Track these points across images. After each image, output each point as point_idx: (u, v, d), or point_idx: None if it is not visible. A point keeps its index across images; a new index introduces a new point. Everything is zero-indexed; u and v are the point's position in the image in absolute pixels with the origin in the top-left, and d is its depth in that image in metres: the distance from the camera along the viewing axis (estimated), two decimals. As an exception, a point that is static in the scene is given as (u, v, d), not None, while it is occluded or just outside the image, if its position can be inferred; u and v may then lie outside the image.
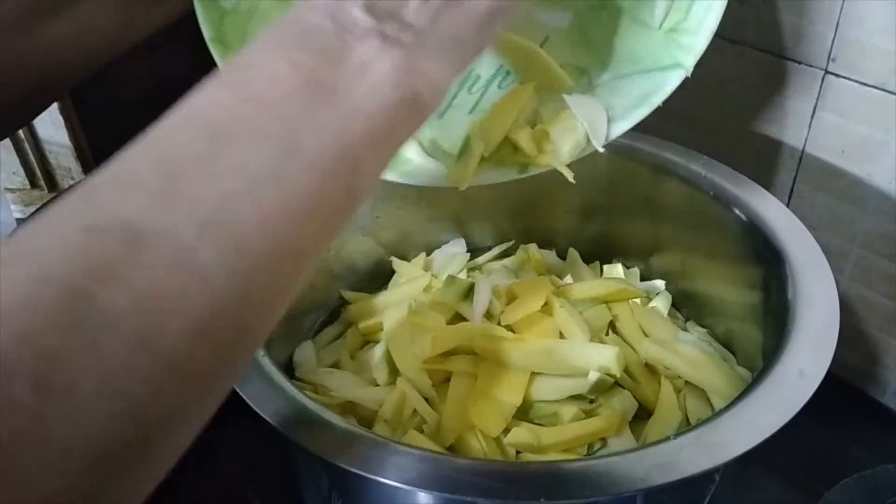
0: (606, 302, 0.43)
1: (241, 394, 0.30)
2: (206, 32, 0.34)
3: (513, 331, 0.40)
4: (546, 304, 0.41)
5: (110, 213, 0.18)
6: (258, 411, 0.30)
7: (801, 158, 0.46)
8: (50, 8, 0.33)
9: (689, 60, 0.33)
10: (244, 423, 0.31)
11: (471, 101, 0.36)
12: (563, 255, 0.50)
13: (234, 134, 0.20)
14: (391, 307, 0.46)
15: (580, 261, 0.48)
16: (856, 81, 0.42)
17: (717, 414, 0.29)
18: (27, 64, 0.34)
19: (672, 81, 0.34)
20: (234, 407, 0.30)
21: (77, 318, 0.16)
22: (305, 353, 0.44)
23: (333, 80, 0.21)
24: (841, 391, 0.47)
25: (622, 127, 0.34)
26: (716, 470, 0.29)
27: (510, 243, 0.51)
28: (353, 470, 0.28)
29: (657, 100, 0.34)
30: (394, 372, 0.41)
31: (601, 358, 0.37)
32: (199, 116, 0.21)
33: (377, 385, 0.41)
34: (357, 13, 0.23)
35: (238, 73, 0.22)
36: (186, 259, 0.18)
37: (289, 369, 0.43)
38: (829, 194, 0.46)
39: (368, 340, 0.45)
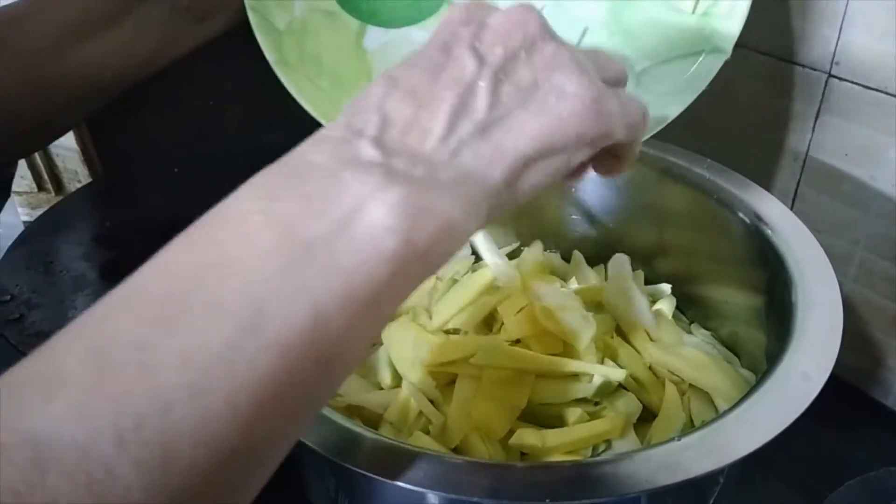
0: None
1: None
2: (270, 56, 0.33)
3: (517, 343, 0.40)
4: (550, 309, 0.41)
5: (20, 425, 0.15)
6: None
7: (804, 162, 0.47)
8: (92, 29, 0.33)
9: (727, 44, 0.33)
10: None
11: None
12: (567, 258, 0.50)
13: (187, 310, 0.17)
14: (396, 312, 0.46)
15: (584, 263, 0.48)
16: (859, 85, 0.42)
17: (721, 416, 0.30)
18: (65, 82, 0.34)
19: (714, 65, 0.33)
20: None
21: None
22: (311, 356, 0.44)
23: (314, 232, 0.18)
24: (844, 393, 0.47)
25: (675, 110, 0.34)
26: (720, 472, 0.29)
27: (514, 245, 0.51)
28: (360, 471, 0.28)
29: (703, 83, 0.33)
30: (398, 375, 0.41)
31: (609, 374, 0.37)
32: (154, 287, 0.18)
33: (381, 388, 0.41)
34: (364, 146, 0.20)
35: (212, 230, 0.19)
36: (100, 482, 0.15)
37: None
38: (832, 197, 0.46)
39: (374, 343, 0.45)
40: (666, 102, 0.33)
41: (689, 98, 0.33)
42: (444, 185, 0.20)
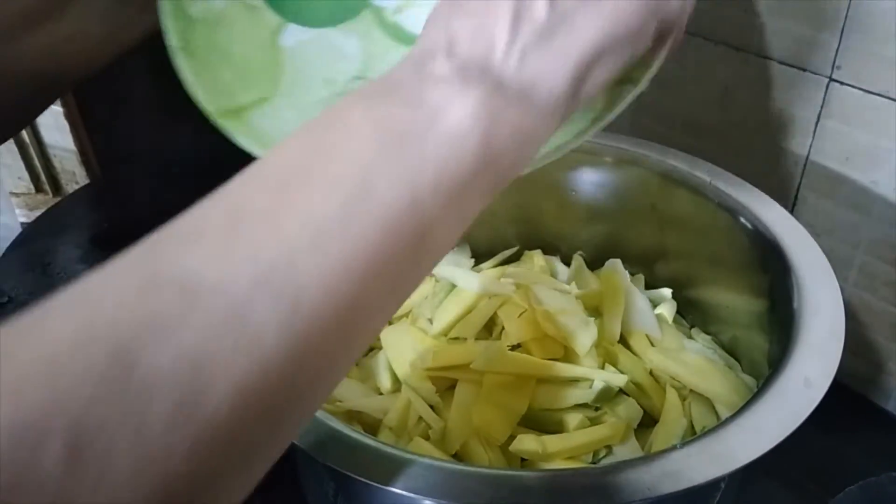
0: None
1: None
2: (173, 41, 0.32)
3: (517, 347, 0.40)
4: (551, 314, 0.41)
5: (168, 266, 0.17)
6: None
7: (805, 166, 0.47)
8: (31, 21, 0.32)
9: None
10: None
11: None
12: (567, 262, 0.50)
13: (303, 183, 0.20)
14: (395, 316, 0.46)
15: (585, 267, 0.48)
16: (860, 89, 0.42)
17: (723, 423, 0.29)
18: (12, 76, 0.33)
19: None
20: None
21: (118, 385, 0.15)
22: (310, 359, 0.44)
23: (406, 125, 0.21)
24: (845, 398, 0.47)
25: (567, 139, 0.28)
26: (722, 479, 0.29)
27: (514, 249, 0.51)
28: (360, 478, 0.28)
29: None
30: (398, 380, 0.41)
31: (609, 380, 0.37)
32: (270, 168, 0.20)
33: (381, 393, 0.41)
34: (438, 62, 0.22)
35: (316, 127, 0.22)
36: (240, 315, 0.17)
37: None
38: (833, 201, 0.46)
39: (373, 347, 0.45)
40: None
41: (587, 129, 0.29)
42: (514, 94, 0.22)
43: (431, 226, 0.20)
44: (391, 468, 0.28)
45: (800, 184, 0.47)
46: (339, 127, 0.21)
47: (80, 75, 0.36)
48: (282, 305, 0.17)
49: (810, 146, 0.46)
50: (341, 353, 0.20)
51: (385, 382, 0.41)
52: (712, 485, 0.33)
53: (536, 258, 0.49)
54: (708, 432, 0.29)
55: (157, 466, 0.16)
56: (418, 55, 0.23)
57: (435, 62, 0.22)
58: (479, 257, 0.51)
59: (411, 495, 0.27)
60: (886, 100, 0.41)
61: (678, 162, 0.45)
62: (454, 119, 0.21)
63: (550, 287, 0.42)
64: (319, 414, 0.30)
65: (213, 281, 0.17)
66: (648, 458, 0.28)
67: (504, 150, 0.21)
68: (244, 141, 0.31)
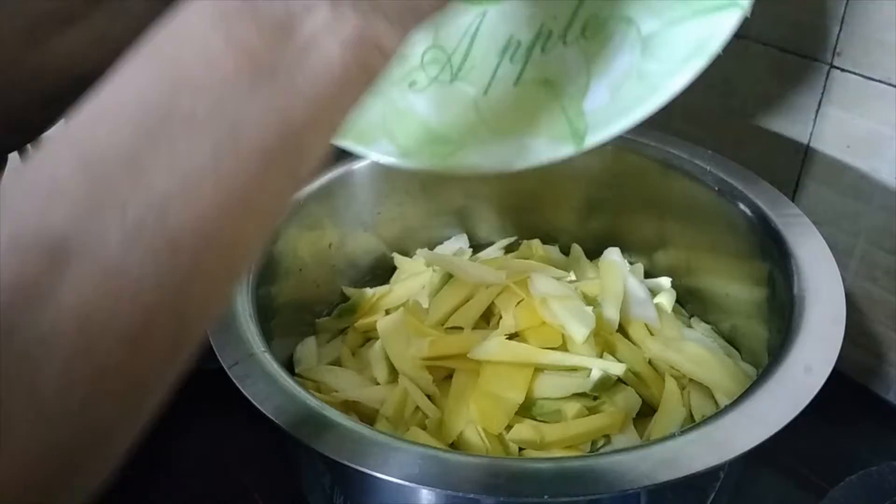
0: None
1: (242, 391, 0.30)
2: None
3: (515, 336, 0.40)
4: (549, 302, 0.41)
5: (31, 228, 0.17)
6: (259, 408, 0.29)
7: (806, 153, 0.46)
8: (65, 19, 0.32)
9: None
10: (246, 421, 0.30)
11: (514, 70, 0.34)
12: (566, 251, 0.50)
13: (166, 123, 0.18)
14: (392, 304, 0.46)
15: (584, 257, 0.47)
16: (861, 76, 0.42)
17: (722, 411, 0.29)
18: (42, 75, 0.33)
19: (728, 24, 0.30)
20: (236, 405, 0.30)
21: (1, 345, 0.15)
22: (307, 350, 0.44)
23: (276, 60, 0.20)
24: (845, 388, 0.47)
25: (682, 81, 0.30)
26: (721, 467, 0.28)
27: (513, 239, 0.51)
28: (355, 467, 0.27)
29: (714, 46, 0.31)
30: (394, 370, 0.40)
31: (608, 368, 0.37)
32: (127, 102, 0.19)
33: (378, 383, 0.41)
34: None
35: (169, 46, 0.20)
36: (116, 269, 0.17)
37: (289, 365, 0.43)
38: (834, 189, 0.45)
39: (370, 337, 0.45)
40: (675, 70, 0.31)
41: (700, 64, 0.30)
42: (384, 14, 0.21)
43: (306, 143, 0.20)
44: (387, 456, 0.28)
45: (800, 172, 0.47)
46: (196, 52, 0.19)
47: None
48: (158, 258, 0.17)
49: (811, 134, 0.46)
50: (223, 284, 0.20)
51: (381, 373, 0.41)
52: (711, 473, 0.33)
53: (535, 247, 0.48)
54: (707, 420, 0.29)
55: (55, 425, 0.16)
56: None
57: None
58: (478, 247, 0.50)
59: (409, 484, 0.27)
60: (887, 86, 0.41)
61: (678, 150, 0.44)
62: (328, 50, 0.20)
63: (548, 276, 0.42)
64: (314, 403, 0.30)
65: (82, 243, 0.17)
66: (646, 445, 0.28)
67: (375, 70, 0.21)
68: None
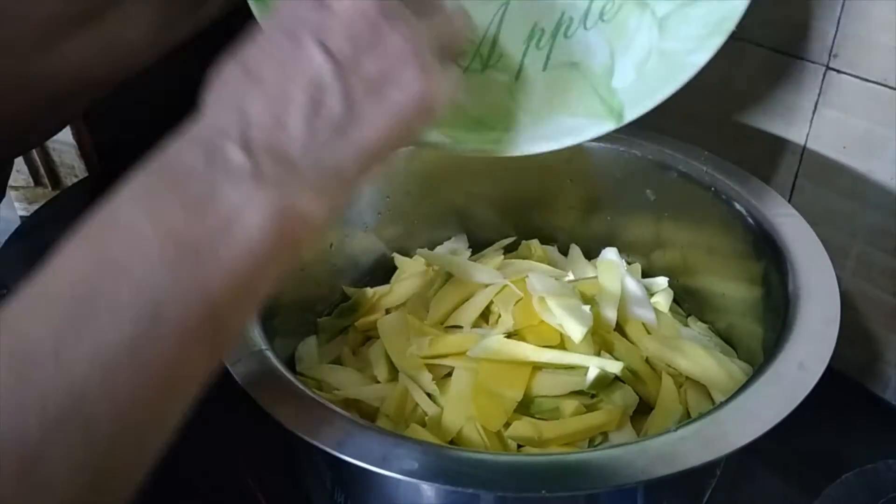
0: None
1: (245, 389, 0.31)
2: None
3: (513, 335, 0.40)
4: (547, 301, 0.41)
5: None
6: (261, 405, 0.30)
7: (802, 154, 0.47)
8: (76, 22, 0.32)
9: None
10: (247, 419, 0.31)
11: (542, 56, 0.35)
12: (564, 251, 0.50)
13: (92, 310, 0.19)
14: (392, 304, 0.46)
15: (582, 256, 0.48)
16: (857, 77, 0.42)
17: (718, 407, 0.29)
18: (55, 78, 0.33)
19: (740, 3, 0.32)
20: (237, 403, 0.30)
21: None
22: (308, 349, 0.44)
23: (198, 236, 0.20)
24: (842, 387, 0.47)
25: (702, 58, 0.32)
26: (717, 463, 0.29)
27: (512, 239, 0.51)
28: (356, 463, 0.28)
29: (730, 24, 0.32)
30: (394, 369, 0.41)
31: (605, 367, 0.37)
32: (56, 290, 0.20)
33: (378, 381, 0.41)
34: (231, 151, 0.21)
35: (102, 232, 0.21)
36: (33, 466, 0.17)
37: (291, 364, 0.44)
38: (830, 190, 0.46)
39: (370, 336, 0.45)
40: (695, 48, 0.32)
41: (719, 41, 0.31)
42: (308, 186, 0.22)
43: (227, 319, 0.21)
44: (387, 452, 0.28)
45: (797, 172, 0.47)
46: (124, 237, 0.20)
47: (127, 73, 0.35)
48: (75, 447, 0.18)
49: (807, 135, 0.46)
50: (142, 459, 0.21)
51: (382, 371, 0.41)
52: (708, 471, 0.34)
53: (533, 247, 0.49)
54: (703, 416, 0.29)
55: None
56: (208, 134, 0.22)
57: (227, 148, 0.21)
58: (477, 247, 0.51)
59: (409, 480, 0.27)
60: (884, 87, 0.41)
61: (675, 150, 0.45)
62: (250, 224, 0.21)
63: (547, 275, 0.42)
64: (316, 401, 0.30)
65: (4, 435, 0.17)
66: (643, 441, 0.28)
67: (297, 240, 0.22)
68: None
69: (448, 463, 0.28)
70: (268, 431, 0.31)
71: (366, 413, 0.39)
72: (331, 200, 0.23)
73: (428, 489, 0.30)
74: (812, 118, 0.45)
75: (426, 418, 0.37)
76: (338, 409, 0.30)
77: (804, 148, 0.46)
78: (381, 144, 0.24)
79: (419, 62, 0.24)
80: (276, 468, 0.42)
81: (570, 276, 0.45)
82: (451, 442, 0.36)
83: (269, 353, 0.33)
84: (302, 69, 0.23)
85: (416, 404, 0.38)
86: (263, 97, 0.22)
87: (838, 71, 0.43)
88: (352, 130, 0.23)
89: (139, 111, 0.67)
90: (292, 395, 0.31)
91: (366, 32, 0.23)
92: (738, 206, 0.41)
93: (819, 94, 0.44)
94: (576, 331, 0.38)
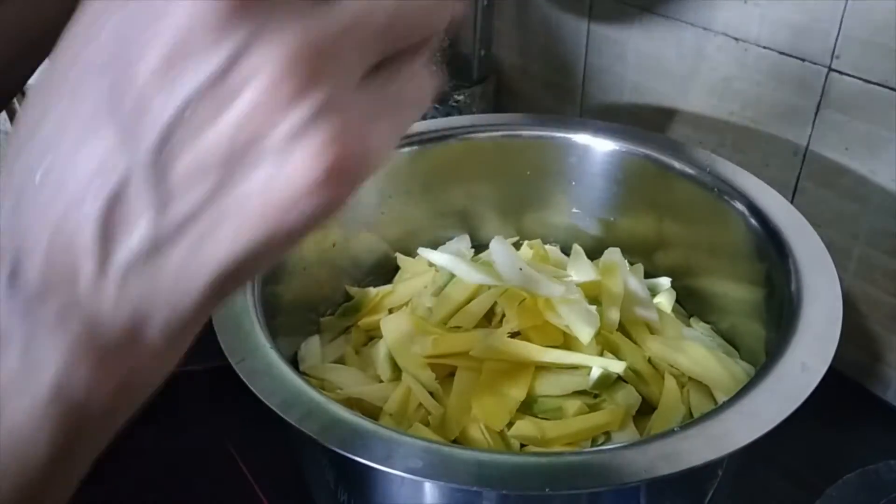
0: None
1: (250, 387, 0.31)
2: None
3: (517, 335, 0.40)
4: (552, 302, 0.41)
5: None
6: (267, 402, 0.30)
7: (804, 156, 0.47)
8: None
9: None
10: (251, 418, 0.31)
11: None
12: (567, 252, 0.50)
13: None
14: (395, 304, 0.46)
15: (584, 257, 0.48)
16: (859, 79, 0.42)
17: (721, 407, 0.30)
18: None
19: None
20: (241, 402, 0.30)
21: None
22: (311, 348, 0.44)
23: None
24: (843, 388, 0.47)
25: None
26: (719, 463, 0.29)
27: (515, 239, 0.51)
28: (359, 460, 0.28)
29: None
30: (397, 368, 0.41)
31: (608, 366, 0.37)
32: None
33: (381, 380, 0.41)
34: (1, 290, 0.15)
35: None
36: None
37: (294, 364, 0.44)
38: (832, 191, 0.46)
39: (373, 336, 0.45)
40: None
41: None
42: (114, 337, 0.15)
43: None
44: (391, 450, 0.28)
45: (799, 174, 0.47)
46: None
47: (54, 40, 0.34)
48: None
49: (810, 136, 0.46)
50: None
51: (385, 370, 0.41)
52: (710, 471, 0.34)
53: (536, 248, 0.49)
54: (705, 416, 0.29)
55: None
56: None
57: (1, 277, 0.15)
58: (480, 248, 0.51)
59: (412, 477, 0.28)
60: (885, 89, 0.41)
61: (677, 151, 0.45)
62: (18, 413, 0.14)
63: (551, 276, 0.42)
64: (320, 399, 0.30)
65: None
66: (646, 440, 0.29)
67: (102, 414, 0.15)
68: None
69: (451, 461, 0.28)
70: (271, 431, 0.31)
71: (368, 412, 0.40)
72: (152, 351, 0.15)
73: (432, 487, 0.30)
74: (814, 120, 0.45)
75: (429, 418, 0.38)
76: (342, 408, 0.30)
77: (806, 149, 0.46)
78: (236, 263, 0.15)
79: (315, 105, 0.14)
80: (280, 468, 0.42)
81: (573, 276, 0.45)
82: (455, 442, 0.37)
83: (273, 351, 0.33)
84: (94, 156, 0.14)
85: (420, 404, 0.38)
86: (44, 215, 0.14)
87: (840, 73, 0.43)
88: (177, 253, 0.14)
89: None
90: (297, 393, 0.31)
91: (209, 76, 0.13)
92: (740, 207, 0.41)
93: (821, 96, 0.44)
94: (584, 332, 0.38)
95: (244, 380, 0.31)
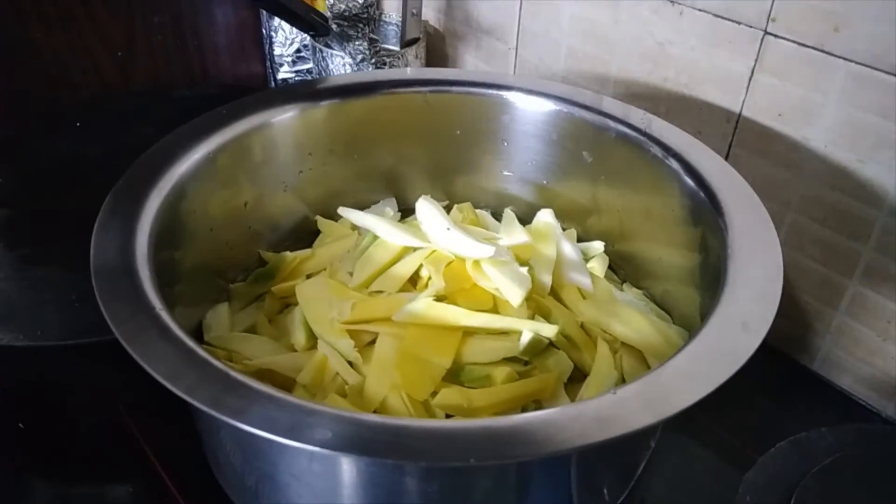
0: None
1: (131, 353, 0.26)
2: None
3: (443, 299, 0.37)
4: (479, 265, 0.38)
5: None
6: (148, 369, 0.26)
7: (737, 122, 0.46)
8: None
9: None
10: (155, 403, 0.27)
11: None
12: (498, 217, 0.48)
13: None
14: (314, 269, 0.43)
15: (516, 220, 0.45)
16: (795, 42, 0.41)
17: (659, 368, 0.28)
18: None
19: None
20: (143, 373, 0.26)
21: None
22: (218, 316, 0.40)
23: None
24: (772, 359, 0.47)
25: None
26: (654, 430, 0.27)
27: (445, 203, 0.48)
28: (256, 432, 0.24)
29: None
30: (313, 336, 0.37)
31: (539, 330, 0.35)
32: None
33: (295, 350, 0.38)
34: None
35: None
36: None
37: (198, 334, 0.39)
38: (765, 158, 0.45)
39: (289, 304, 0.42)
40: None
41: None
42: None
43: None
44: (297, 420, 0.25)
45: (731, 141, 0.46)
46: None
47: None
48: None
49: (743, 102, 0.45)
50: None
51: (300, 339, 0.38)
52: (643, 440, 0.32)
53: (466, 211, 0.46)
54: (644, 377, 0.27)
55: None
56: None
57: None
58: (407, 212, 0.48)
59: (322, 451, 0.24)
60: (821, 53, 0.41)
61: (613, 111, 0.43)
62: None
63: (480, 238, 0.40)
64: (217, 366, 0.27)
65: None
66: (579, 405, 0.26)
67: None
68: None
69: (366, 431, 0.25)
70: (176, 415, 0.27)
71: (281, 385, 0.36)
72: None
73: (346, 462, 0.27)
74: (748, 85, 0.44)
75: (346, 388, 0.34)
76: (240, 376, 0.26)
77: (739, 115, 0.45)
78: None
79: None
80: (188, 456, 0.37)
81: (503, 239, 0.42)
82: (375, 413, 0.33)
83: (164, 313, 0.29)
84: None
85: (336, 373, 0.35)
86: None
87: (776, 36, 0.42)
88: None
89: (44, 67, 0.62)
90: (189, 360, 0.27)
91: None
92: (675, 167, 0.40)
93: (756, 60, 0.43)
94: (514, 294, 0.35)
95: (125, 346, 0.27)
